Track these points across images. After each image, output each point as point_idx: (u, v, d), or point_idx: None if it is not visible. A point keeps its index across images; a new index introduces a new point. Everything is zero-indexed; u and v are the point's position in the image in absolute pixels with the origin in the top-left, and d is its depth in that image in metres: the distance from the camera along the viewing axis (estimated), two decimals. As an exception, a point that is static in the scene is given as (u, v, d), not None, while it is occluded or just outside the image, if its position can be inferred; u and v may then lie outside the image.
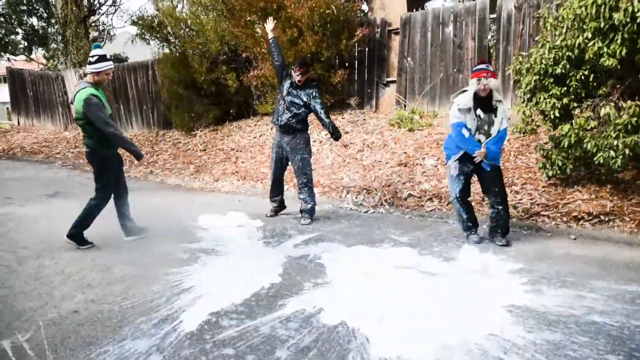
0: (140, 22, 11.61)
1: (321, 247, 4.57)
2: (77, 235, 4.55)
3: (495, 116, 4.36)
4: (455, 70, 8.58)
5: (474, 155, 4.39)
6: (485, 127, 4.37)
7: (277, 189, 5.80)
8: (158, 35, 11.44)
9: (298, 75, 5.30)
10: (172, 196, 7.33)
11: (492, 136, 4.37)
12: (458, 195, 4.61)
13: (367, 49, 9.55)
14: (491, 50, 8.31)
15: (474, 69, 4.42)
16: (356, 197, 6.43)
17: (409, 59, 9.10)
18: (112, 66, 4.49)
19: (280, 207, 5.88)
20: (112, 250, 4.45)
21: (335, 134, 5.38)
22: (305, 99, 5.33)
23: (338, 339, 2.72)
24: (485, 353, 2.54)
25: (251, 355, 2.55)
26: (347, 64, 9.55)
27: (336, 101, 9.41)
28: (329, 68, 9.15)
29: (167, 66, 10.94)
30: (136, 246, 4.57)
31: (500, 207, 4.53)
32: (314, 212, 5.60)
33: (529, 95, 5.53)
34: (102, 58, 4.39)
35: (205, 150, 10.04)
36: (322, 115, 5.31)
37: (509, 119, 4.66)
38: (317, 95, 5.36)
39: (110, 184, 4.60)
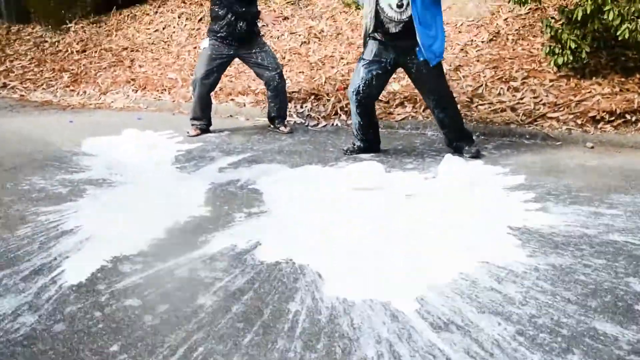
0: None
1: (256, 169, 4.60)
2: None
3: None
4: None
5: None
6: None
7: (206, 100, 5.89)
8: None
9: None
10: (40, 116, 7.10)
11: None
12: (359, 90, 4.63)
13: None
14: None
15: None
16: (301, 107, 6.42)
17: None
18: None
19: (209, 123, 6.00)
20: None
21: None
22: None
23: (281, 278, 2.79)
24: (474, 283, 2.66)
25: (164, 305, 2.58)
26: None
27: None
28: None
29: None
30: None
31: (442, 114, 4.60)
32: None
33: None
34: None
35: (84, 51, 9.70)
36: None
37: None
38: None
39: None
